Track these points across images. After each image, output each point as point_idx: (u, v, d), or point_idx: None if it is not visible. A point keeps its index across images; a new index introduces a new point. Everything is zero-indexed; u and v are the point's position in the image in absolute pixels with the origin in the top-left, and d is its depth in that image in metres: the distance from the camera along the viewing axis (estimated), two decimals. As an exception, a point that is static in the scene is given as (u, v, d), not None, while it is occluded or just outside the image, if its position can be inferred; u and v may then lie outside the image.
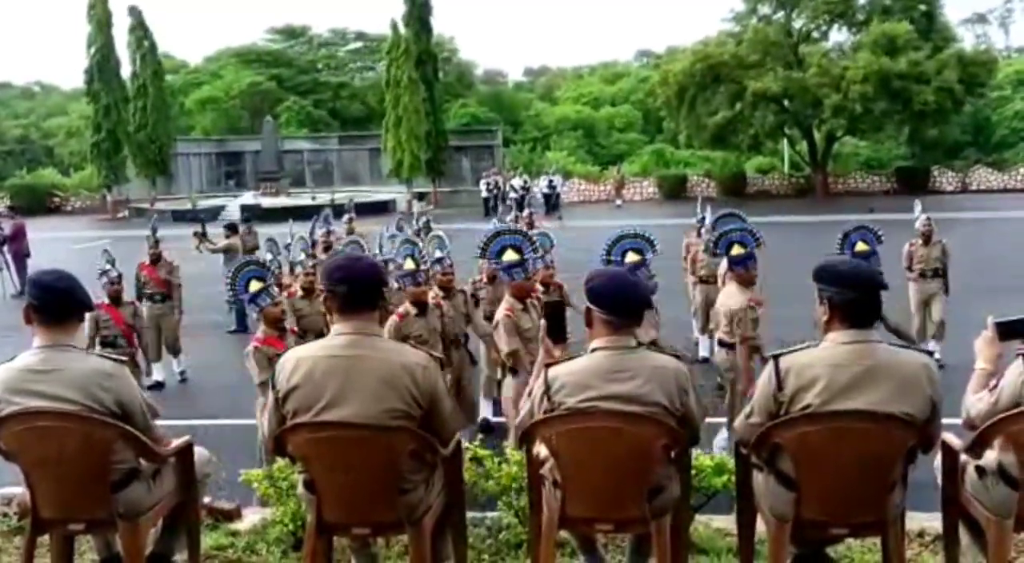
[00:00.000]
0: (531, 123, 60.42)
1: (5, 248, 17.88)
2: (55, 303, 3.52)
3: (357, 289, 3.36)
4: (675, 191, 41.96)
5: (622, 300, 3.42)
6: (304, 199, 38.46)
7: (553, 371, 3.45)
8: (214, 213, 35.88)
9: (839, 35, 42.75)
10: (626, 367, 3.37)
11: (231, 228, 15.07)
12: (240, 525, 4.74)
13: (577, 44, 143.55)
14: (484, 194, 36.02)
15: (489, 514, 4.63)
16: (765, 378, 3.41)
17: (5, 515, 4.87)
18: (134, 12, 40.11)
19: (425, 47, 39.38)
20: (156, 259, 11.11)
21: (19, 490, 4.86)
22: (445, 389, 3.48)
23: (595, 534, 3.91)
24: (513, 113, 60.82)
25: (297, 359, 3.38)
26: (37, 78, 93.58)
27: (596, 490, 3.42)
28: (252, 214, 33.86)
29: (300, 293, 8.78)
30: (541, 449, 3.57)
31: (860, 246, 8.44)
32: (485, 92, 64.24)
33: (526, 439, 3.57)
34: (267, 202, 36.64)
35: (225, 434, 7.05)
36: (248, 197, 38.88)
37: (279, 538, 4.41)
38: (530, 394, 3.62)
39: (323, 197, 38.72)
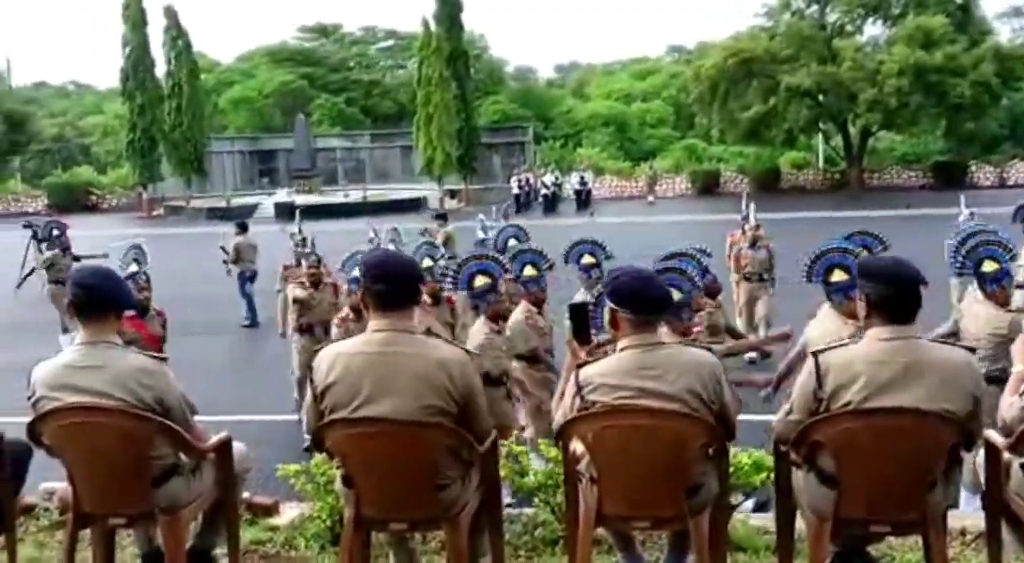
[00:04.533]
0: (562, 120, 60.30)
1: (43, 246, 18.05)
2: (94, 300, 3.56)
3: (394, 286, 3.38)
4: (708, 187, 41.76)
5: (643, 298, 3.42)
6: (337, 197, 38.71)
7: (584, 371, 3.45)
8: (248, 211, 36.22)
9: (874, 29, 42.26)
10: (656, 364, 3.36)
11: (242, 227, 15.23)
12: (278, 520, 4.77)
13: (608, 40, 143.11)
14: (515, 191, 36.03)
15: (525, 510, 4.64)
16: (805, 375, 3.39)
17: (46, 509, 4.93)
18: (169, 12, 40.50)
19: (456, 44, 39.42)
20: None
21: (60, 485, 4.93)
22: (481, 386, 3.49)
23: (632, 531, 3.89)
24: (544, 110, 60.72)
25: (335, 355, 3.40)
26: (73, 77, 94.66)
27: (633, 487, 3.42)
28: (286, 212, 34.30)
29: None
30: (577, 446, 3.57)
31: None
32: (516, 89, 64.23)
33: (561, 436, 3.57)
34: (300, 200, 36.78)
35: (262, 429, 7.09)
36: (282, 195, 39.14)
37: (317, 533, 4.44)
38: (562, 395, 3.63)
39: (355, 195, 38.95)
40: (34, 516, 4.87)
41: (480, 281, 6.45)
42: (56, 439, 3.52)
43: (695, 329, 5.62)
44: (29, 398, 3.53)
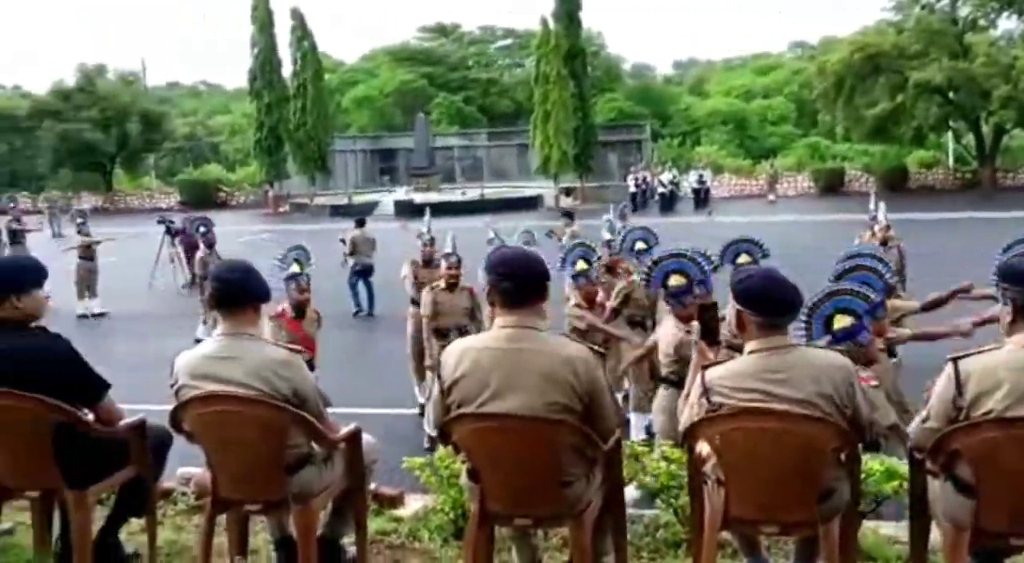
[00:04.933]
0: (680, 117, 59.74)
1: (177, 241, 18.86)
2: (233, 294, 3.70)
3: (521, 282, 3.40)
4: (832, 186, 40.69)
5: (771, 300, 3.36)
6: (454, 195, 39.16)
7: (710, 373, 3.42)
8: (369, 208, 36.97)
9: (1008, 23, 40.41)
10: (783, 367, 3.29)
11: (360, 222, 15.86)
12: (403, 511, 4.86)
13: (727, 36, 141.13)
14: (632, 189, 35.84)
15: (647, 511, 4.61)
16: (944, 382, 3.27)
17: (183, 494, 5.13)
18: (295, 14, 41.62)
19: (574, 42, 39.37)
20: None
21: (196, 470, 5.14)
22: (607, 384, 3.48)
23: (759, 536, 3.83)
24: (661, 107, 60.26)
25: (462, 350, 3.45)
26: (203, 78, 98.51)
27: (762, 491, 3.36)
28: (405, 209, 34.89)
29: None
30: (703, 448, 3.53)
31: (743, 258, 7.81)
32: (633, 86, 63.91)
33: (687, 438, 3.54)
34: (419, 198, 37.40)
35: (382, 422, 7.22)
36: (401, 193, 39.80)
37: (440, 525, 4.50)
38: (687, 397, 3.59)
39: (473, 193, 39.34)
40: (172, 500, 5.06)
41: (675, 280, 6.26)
42: (196, 426, 3.67)
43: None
44: (172, 386, 3.69)
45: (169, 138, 53.77)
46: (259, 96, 42.03)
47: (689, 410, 3.50)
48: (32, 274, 3.89)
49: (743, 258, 7.48)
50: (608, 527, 3.74)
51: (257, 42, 41.47)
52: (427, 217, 11.06)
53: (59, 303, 15.10)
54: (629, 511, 4.11)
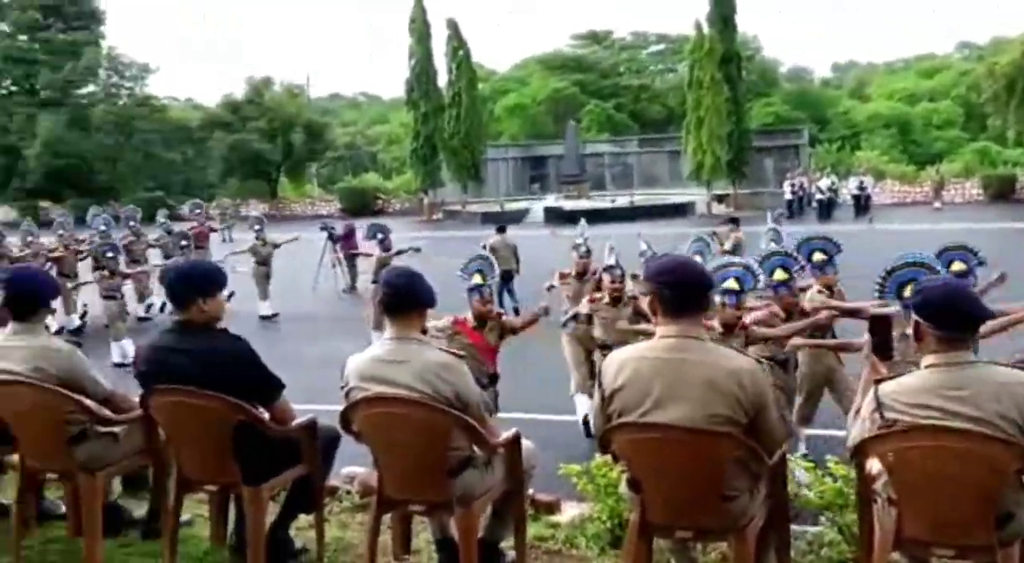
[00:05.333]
0: (839, 121, 57.96)
1: (338, 247, 19.56)
2: (401, 299, 3.82)
3: (684, 291, 3.37)
4: (1003, 193, 38.50)
5: (954, 312, 3.20)
6: (604, 202, 39.11)
7: (884, 388, 3.29)
8: (519, 216, 37.34)
9: None
10: (964, 384, 3.14)
11: (501, 229, 16.32)
12: (559, 518, 4.89)
13: (889, 37, 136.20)
14: (788, 196, 34.90)
15: (810, 528, 4.49)
16: None
17: (348, 492, 5.31)
18: (451, 25, 42.46)
19: (729, 46, 38.67)
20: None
21: (360, 470, 5.32)
22: (773, 397, 3.41)
23: (931, 558, 3.67)
24: (820, 111, 58.61)
25: (623, 359, 3.44)
26: (363, 89, 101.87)
27: (937, 512, 3.22)
28: (555, 216, 35.08)
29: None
30: (873, 465, 3.42)
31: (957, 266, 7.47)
32: (790, 90, 62.42)
33: (857, 454, 3.43)
34: (569, 205, 37.54)
35: (543, 428, 7.25)
36: (551, 200, 40.02)
37: (597, 534, 4.51)
38: (857, 411, 3.48)
39: (623, 200, 39.19)
40: (337, 498, 5.24)
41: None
42: (364, 427, 3.81)
43: None
44: (342, 388, 3.84)
45: (330, 148, 55.82)
46: (415, 106, 43.08)
47: (860, 425, 3.38)
48: (215, 278, 4.12)
49: (957, 266, 7.18)
50: (771, 543, 3.67)
51: (414, 53, 42.50)
52: (582, 227, 10.54)
53: (233, 306, 15.90)
54: (793, 527, 4.02)
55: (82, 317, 15.50)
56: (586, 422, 8.12)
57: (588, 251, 9.44)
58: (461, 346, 6.51)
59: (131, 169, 54.32)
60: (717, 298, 6.50)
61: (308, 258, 19.74)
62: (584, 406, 8.45)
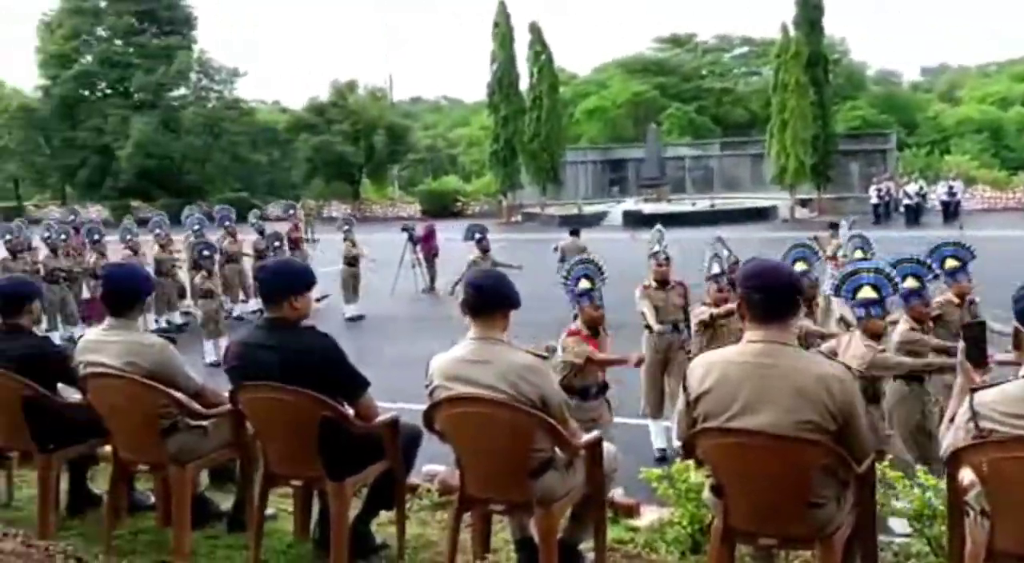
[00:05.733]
0: (928, 125, 56.56)
1: (418, 248, 19.76)
2: (484, 300, 3.85)
3: (773, 296, 3.33)
4: (1103, 200, 37.15)
5: None
6: (684, 205, 38.75)
7: (980, 397, 3.20)
8: (598, 219, 37.22)
9: None
10: None
11: (573, 231, 16.75)
12: (639, 522, 4.86)
13: (982, 40, 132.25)
14: (874, 200, 34.16)
15: (896, 539, 4.38)
16: None
17: (428, 491, 5.35)
18: (534, 29, 42.54)
19: (815, 49, 37.95)
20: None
21: (440, 468, 5.36)
22: (861, 404, 3.34)
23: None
24: (908, 115, 57.26)
25: (709, 363, 3.41)
26: (444, 93, 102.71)
27: (1035, 526, 3.12)
28: (634, 220, 34.88)
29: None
30: (966, 476, 3.32)
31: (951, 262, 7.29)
32: (877, 93, 61.06)
33: (950, 464, 3.34)
34: (648, 208, 37.28)
35: (623, 432, 7.21)
36: (630, 203, 39.80)
37: (677, 539, 4.46)
38: (951, 420, 3.39)
39: (703, 203, 38.78)
40: (417, 496, 5.29)
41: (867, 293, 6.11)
42: (447, 426, 3.84)
43: None
44: (426, 387, 3.88)
45: (412, 150, 56.34)
46: (496, 109, 43.24)
47: (954, 434, 3.29)
48: (305, 277, 4.20)
49: (950, 262, 7.04)
50: (857, 553, 3.59)
51: (497, 57, 42.66)
52: (659, 233, 9.93)
53: (320, 306, 16.28)
54: (879, 538, 3.93)
55: (185, 315, 15.97)
56: (661, 453, 8.07)
57: (667, 258, 9.10)
58: (581, 354, 6.36)
59: (218, 170, 55.73)
60: (859, 312, 6.22)
61: (389, 259, 19.97)
62: (657, 434, 8.38)
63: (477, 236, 15.17)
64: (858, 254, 8.55)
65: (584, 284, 6.71)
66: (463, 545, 4.18)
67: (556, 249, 16.32)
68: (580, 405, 6.24)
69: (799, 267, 7.51)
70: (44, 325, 14.51)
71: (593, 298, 6.67)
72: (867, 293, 6.21)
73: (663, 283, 8.80)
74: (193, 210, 19.64)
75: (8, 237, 14.74)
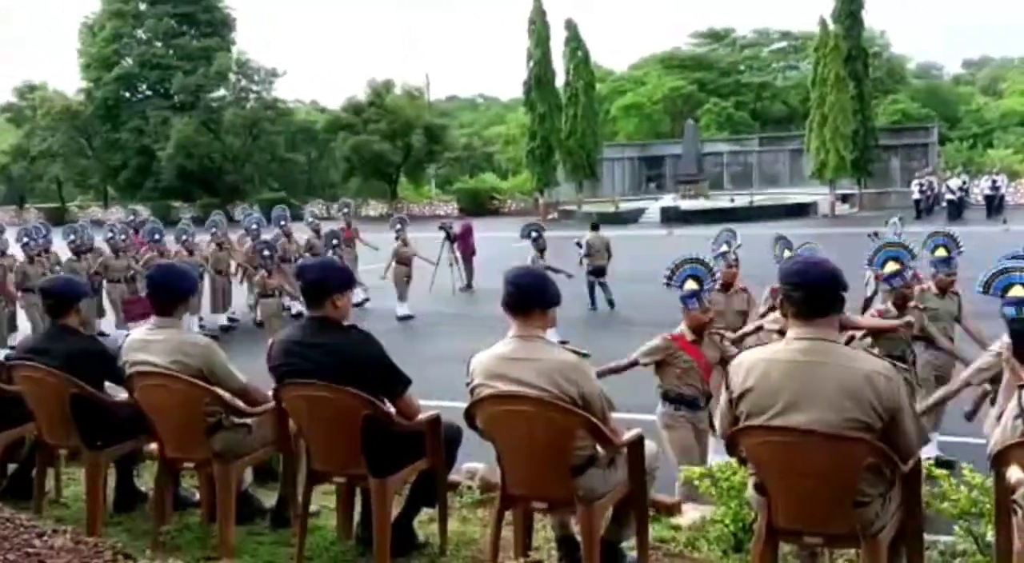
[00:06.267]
0: (971, 119, 55.74)
1: (455, 246, 19.79)
2: (523, 297, 3.85)
3: (815, 293, 3.30)
4: None
5: None
6: (723, 201, 38.52)
7: None
8: (635, 215, 37.11)
9: None
10: None
11: (594, 226, 17.14)
12: (680, 520, 4.84)
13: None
14: (916, 195, 33.76)
15: (943, 538, 4.33)
16: None
17: (469, 488, 5.36)
18: (569, 25, 42.48)
19: (855, 43, 37.53)
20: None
21: (481, 465, 5.38)
22: (909, 402, 3.30)
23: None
24: (950, 108, 56.47)
25: (753, 361, 3.39)
26: (480, 90, 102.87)
27: (1085, 526, 3.07)
28: (671, 216, 34.74)
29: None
30: (1014, 474, 3.28)
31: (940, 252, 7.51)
32: (918, 87, 60.32)
33: (997, 463, 3.29)
34: (686, 204, 37.13)
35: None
36: (668, 200, 39.64)
37: (719, 537, 4.44)
38: (998, 418, 3.34)
39: (742, 199, 38.52)
40: (458, 493, 5.30)
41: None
42: (488, 424, 3.85)
43: None
44: (468, 384, 3.89)
45: (449, 149, 56.50)
46: (533, 106, 43.24)
47: (1001, 432, 3.25)
48: (345, 276, 4.24)
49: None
50: (903, 552, 3.56)
51: (533, 54, 42.65)
52: (728, 232, 9.22)
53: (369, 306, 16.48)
54: (925, 537, 3.88)
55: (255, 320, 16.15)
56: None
57: (736, 260, 8.60)
58: (684, 366, 6.08)
59: (257, 170, 56.30)
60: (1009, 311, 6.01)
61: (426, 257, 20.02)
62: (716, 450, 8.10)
63: (534, 235, 15.19)
64: (940, 253, 8.22)
65: (691, 285, 6.17)
66: (505, 543, 4.19)
67: (579, 243, 16.61)
68: (691, 414, 6.13)
69: (890, 267, 7.24)
70: (113, 321, 14.89)
71: (703, 300, 6.15)
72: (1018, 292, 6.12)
73: (727, 286, 8.38)
74: (249, 210, 19.84)
75: (72, 237, 14.95)
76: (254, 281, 14.31)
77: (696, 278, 6.19)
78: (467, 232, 20.27)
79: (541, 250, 14.88)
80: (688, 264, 6.33)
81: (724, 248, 8.82)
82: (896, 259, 7.09)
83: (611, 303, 16.16)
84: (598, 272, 16.27)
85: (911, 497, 3.47)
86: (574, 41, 42.52)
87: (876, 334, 7.10)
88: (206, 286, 15.28)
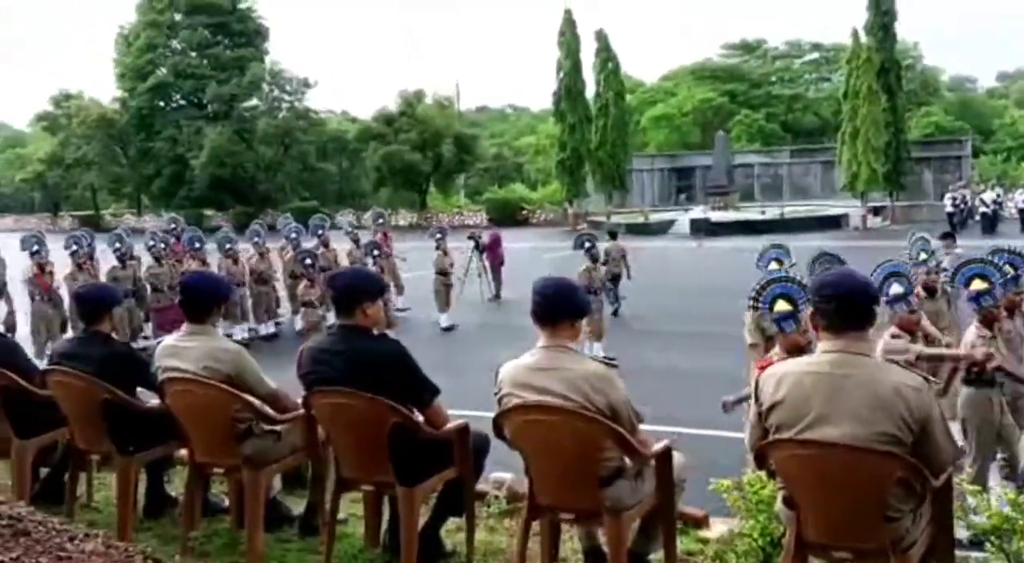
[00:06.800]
0: (1005, 132, 55.24)
1: (484, 256, 19.82)
2: (550, 308, 3.84)
3: (847, 305, 3.28)
4: None
5: None
6: (753, 213, 38.32)
7: None
8: (664, 226, 36.99)
9: None
10: None
11: (612, 234, 17.83)
12: (708, 533, 4.81)
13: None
14: (949, 209, 33.35)
15: (974, 554, 4.27)
16: None
17: (496, 497, 5.36)
18: (600, 36, 42.51)
19: (888, 55, 37.26)
20: None
21: (508, 475, 5.37)
22: (940, 415, 3.27)
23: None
24: (984, 121, 56.00)
25: (782, 374, 3.37)
26: (510, 101, 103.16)
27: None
28: (701, 228, 34.59)
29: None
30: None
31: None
32: (952, 99, 59.89)
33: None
34: (716, 216, 36.95)
35: (695, 442, 7.14)
36: (697, 211, 39.48)
37: (748, 551, 4.40)
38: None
39: (772, 211, 38.30)
40: (486, 503, 5.30)
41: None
42: (516, 434, 3.85)
43: None
44: (495, 394, 3.89)
45: (479, 159, 56.61)
46: (562, 117, 43.27)
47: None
48: (376, 284, 4.27)
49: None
50: (935, 567, 3.52)
51: (563, 65, 42.70)
52: (921, 240, 8.88)
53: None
54: (956, 553, 3.83)
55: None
56: None
57: (938, 265, 8.35)
58: None
59: (289, 179, 56.70)
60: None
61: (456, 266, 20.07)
62: None
63: (587, 245, 15.20)
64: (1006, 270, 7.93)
65: (783, 306, 5.67)
66: (531, 553, 4.18)
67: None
68: None
69: (977, 285, 6.76)
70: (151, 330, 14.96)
71: (799, 321, 5.54)
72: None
73: (932, 292, 8.25)
74: (288, 219, 19.94)
75: (117, 246, 15.04)
76: (296, 291, 14.37)
77: (787, 297, 5.69)
78: (495, 242, 20.28)
79: (595, 260, 14.82)
80: (776, 283, 5.86)
81: (923, 255, 8.78)
82: (983, 277, 6.59)
83: (616, 312, 16.64)
84: (615, 278, 16.92)
85: (942, 512, 3.44)
86: (604, 52, 42.53)
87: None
88: (247, 294, 15.57)
